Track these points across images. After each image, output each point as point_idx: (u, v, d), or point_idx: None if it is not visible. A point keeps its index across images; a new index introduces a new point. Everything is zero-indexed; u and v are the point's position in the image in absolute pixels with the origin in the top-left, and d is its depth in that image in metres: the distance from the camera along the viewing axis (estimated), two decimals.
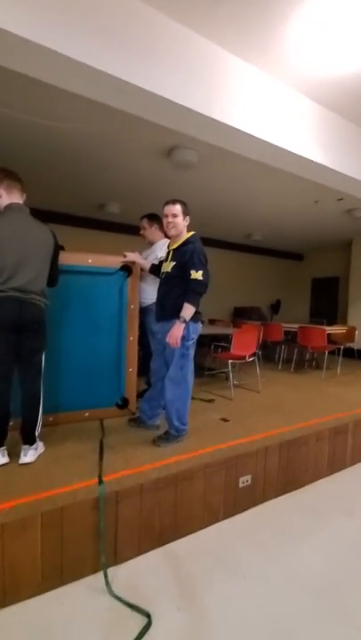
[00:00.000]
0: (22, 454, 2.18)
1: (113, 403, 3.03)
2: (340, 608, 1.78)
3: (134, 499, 2.06)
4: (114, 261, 3.01)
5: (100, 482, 1.98)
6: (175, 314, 2.39)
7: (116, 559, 2.01)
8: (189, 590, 1.86)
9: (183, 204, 2.52)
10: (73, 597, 1.81)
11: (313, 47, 2.59)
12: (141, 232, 3.45)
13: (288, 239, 8.97)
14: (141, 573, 1.98)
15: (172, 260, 2.53)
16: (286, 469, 2.82)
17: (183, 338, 2.37)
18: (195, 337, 2.50)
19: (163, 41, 2.30)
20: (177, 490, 2.22)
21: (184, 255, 2.43)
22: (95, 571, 1.93)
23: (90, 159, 4.29)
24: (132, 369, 3.09)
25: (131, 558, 2.06)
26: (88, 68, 2.05)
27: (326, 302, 9.87)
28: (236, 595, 1.84)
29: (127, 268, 3.04)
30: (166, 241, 3.12)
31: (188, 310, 2.35)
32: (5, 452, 2.18)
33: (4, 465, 2.13)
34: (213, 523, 2.39)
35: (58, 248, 2.40)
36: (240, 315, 9.11)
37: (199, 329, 2.54)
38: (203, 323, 2.66)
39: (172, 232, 2.53)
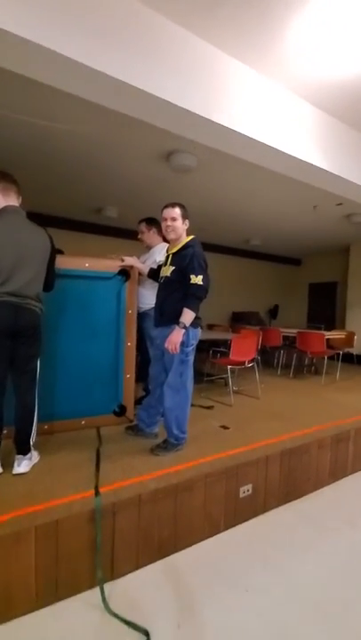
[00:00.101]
0: (16, 464, 2.11)
1: (110, 410, 2.97)
2: (344, 623, 1.72)
3: (132, 510, 1.99)
4: (111, 265, 2.96)
5: (97, 493, 1.92)
6: (174, 319, 2.34)
7: (114, 573, 1.94)
8: (189, 605, 1.79)
9: (182, 207, 2.48)
10: (69, 614, 1.73)
11: (313, 51, 2.58)
12: (139, 236, 3.41)
13: (286, 244, 8.97)
14: (140, 588, 1.91)
15: (171, 264, 2.48)
16: (288, 478, 2.75)
17: (182, 344, 2.32)
18: (194, 343, 2.44)
19: (162, 43, 2.27)
20: (176, 501, 2.15)
21: (184, 259, 2.39)
22: (91, 586, 1.85)
23: (87, 162, 4.25)
24: (129, 375, 3.03)
25: (128, 572, 1.99)
26: (86, 68, 2.01)
27: (324, 307, 9.86)
28: (238, 609, 1.77)
29: (125, 273, 2.99)
30: (165, 245, 3.07)
31: (187, 315, 2.30)
32: None
33: None
34: (214, 534, 2.32)
35: (55, 252, 2.35)
36: (238, 320, 9.07)
37: (199, 334, 2.49)
38: (202, 328, 2.61)
39: (171, 236, 2.49)
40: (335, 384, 5.16)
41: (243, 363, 4.12)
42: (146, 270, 2.92)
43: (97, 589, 1.80)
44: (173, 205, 2.45)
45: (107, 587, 1.84)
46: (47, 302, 2.31)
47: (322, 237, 8.08)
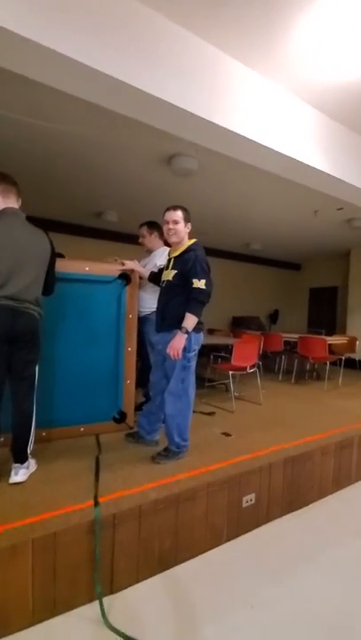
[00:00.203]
0: (13, 473, 2.05)
1: (110, 417, 2.91)
2: None
3: (132, 521, 1.93)
4: (112, 269, 2.91)
5: (96, 504, 1.85)
6: (176, 324, 2.29)
7: (113, 587, 1.87)
8: (191, 620, 1.73)
9: (185, 210, 2.44)
10: (66, 629, 1.67)
11: (316, 53, 2.55)
12: (140, 240, 3.37)
13: (286, 249, 8.95)
14: (140, 602, 1.85)
15: (173, 268, 2.44)
16: (291, 487, 2.69)
17: (184, 349, 2.27)
18: (196, 348, 2.39)
19: (163, 43, 2.24)
20: (178, 511, 2.09)
21: (186, 263, 2.34)
22: (90, 600, 1.79)
23: (87, 166, 4.23)
24: (129, 381, 2.97)
25: (128, 586, 1.92)
26: (86, 67, 1.97)
27: (324, 312, 9.83)
28: (242, 625, 1.71)
29: (126, 277, 2.95)
30: (166, 249, 3.04)
31: (190, 320, 2.25)
32: None
33: None
34: (216, 545, 2.26)
35: (55, 255, 2.30)
36: (239, 324, 9.03)
37: (201, 339, 2.44)
38: (204, 333, 2.56)
39: (173, 239, 2.45)
40: (338, 390, 5.10)
41: (244, 368, 4.07)
42: (146, 274, 2.88)
43: (96, 604, 1.74)
44: (175, 208, 2.41)
45: (106, 601, 1.78)
46: (46, 306, 2.25)
47: (322, 242, 8.06)
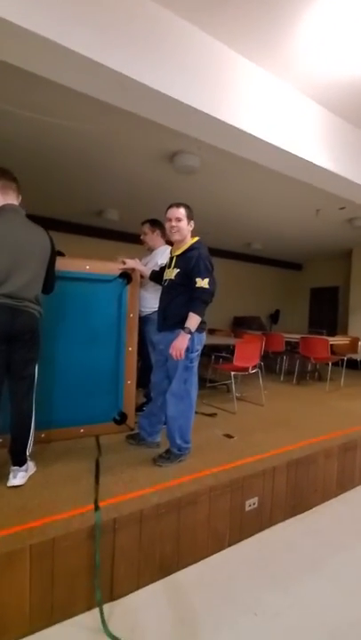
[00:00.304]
0: (11, 476, 2.00)
1: (110, 418, 2.86)
2: None
3: (133, 526, 1.88)
4: (112, 268, 2.86)
5: (97, 508, 1.81)
6: (179, 324, 2.24)
7: (113, 594, 1.82)
8: (193, 629, 1.68)
9: (188, 207, 2.39)
10: (65, 638, 1.62)
11: (321, 50, 2.51)
12: (142, 237, 3.32)
13: (287, 249, 8.91)
14: (141, 610, 1.79)
15: (175, 266, 2.39)
16: (294, 490, 2.64)
17: (187, 349, 2.22)
18: (199, 348, 2.35)
19: (169, 38, 2.20)
20: (180, 515, 2.04)
21: (189, 262, 2.29)
22: (90, 608, 1.74)
23: (88, 163, 4.18)
24: (130, 382, 2.93)
25: (129, 592, 1.87)
26: (89, 61, 1.93)
27: (326, 312, 9.79)
28: (246, 634, 1.66)
29: (126, 276, 2.90)
30: (167, 247, 2.99)
31: (193, 320, 2.20)
32: None
33: None
34: (218, 550, 2.20)
35: (55, 253, 2.25)
36: (240, 324, 8.99)
37: (204, 339, 2.39)
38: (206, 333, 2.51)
39: (175, 237, 2.39)
40: (340, 391, 5.05)
41: (246, 369, 4.02)
42: (148, 273, 2.83)
43: (96, 611, 1.69)
44: (178, 205, 2.36)
45: (106, 608, 1.73)
46: (46, 305, 2.21)
47: (323, 242, 8.02)
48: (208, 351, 4.78)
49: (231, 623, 1.72)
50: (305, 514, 2.68)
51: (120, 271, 2.87)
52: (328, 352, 5.19)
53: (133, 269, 2.89)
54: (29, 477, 2.08)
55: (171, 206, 2.38)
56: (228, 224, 6.75)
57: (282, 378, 5.68)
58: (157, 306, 2.57)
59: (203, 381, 4.58)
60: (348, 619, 1.77)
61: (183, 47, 2.28)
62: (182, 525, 2.05)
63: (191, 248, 2.37)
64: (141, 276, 2.94)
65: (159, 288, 2.61)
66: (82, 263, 2.76)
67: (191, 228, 2.44)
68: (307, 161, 3.06)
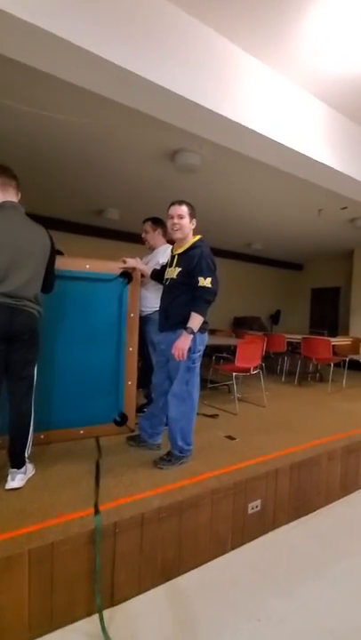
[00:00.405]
0: (9, 478, 1.96)
1: (110, 419, 2.82)
2: None
3: (134, 530, 1.84)
4: (113, 267, 2.83)
5: (97, 511, 1.77)
6: (180, 323, 2.21)
7: (113, 600, 1.78)
8: (195, 635, 1.64)
9: (190, 205, 2.35)
10: None
11: (326, 47, 2.48)
12: (143, 235, 3.28)
13: (288, 249, 8.88)
14: (141, 615, 1.75)
15: (177, 265, 2.35)
16: (297, 492, 2.60)
17: (189, 350, 2.18)
18: (201, 349, 2.31)
19: (174, 33, 2.17)
20: (181, 519, 2.00)
21: (191, 260, 2.25)
22: (90, 613, 1.69)
23: (88, 162, 4.14)
24: (131, 382, 2.89)
25: (130, 598, 1.83)
26: (92, 55, 1.90)
27: (327, 313, 9.76)
28: None
29: (127, 275, 2.86)
30: (168, 246, 2.95)
31: (195, 320, 2.17)
32: None
33: None
34: (221, 554, 2.16)
35: (55, 251, 2.22)
36: (240, 325, 8.95)
37: (206, 339, 2.35)
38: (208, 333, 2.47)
39: (177, 235, 2.35)
40: (342, 392, 5.01)
41: (248, 369, 3.98)
42: (149, 272, 2.79)
43: (96, 617, 1.65)
44: (181, 203, 2.32)
45: (106, 614, 1.69)
46: (45, 305, 2.17)
47: (325, 242, 7.99)
48: (209, 352, 4.75)
49: (234, 629, 1.68)
50: (308, 516, 2.64)
51: (121, 270, 2.83)
52: (330, 353, 5.16)
53: (134, 268, 2.85)
54: (28, 480, 2.04)
55: (173, 203, 2.34)
56: (229, 224, 6.72)
57: (283, 379, 5.64)
58: (158, 305, 2.53)
59: (204, 382, 4.55)
60: (354, 625, 1.73)
61: (187, 42, 2.24)
62: (184, 529, 2.01)
63: (193, 246, 2.33)
64: (142, 275, 2.91)
65: (160, 287, 2.58)
66: (82, 262, 2.72)
67: (193, 227, 2.40)
68: (310, 158, 3.03)
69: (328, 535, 2.45)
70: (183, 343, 2.15)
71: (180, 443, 2.32)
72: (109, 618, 1.69)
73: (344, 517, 2.70)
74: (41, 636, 1.61)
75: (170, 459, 2.32)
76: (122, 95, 2.25)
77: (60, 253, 2.57)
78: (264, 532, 2.39)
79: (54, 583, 1.63)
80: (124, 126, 3.28)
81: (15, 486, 1.95)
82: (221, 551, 2.18)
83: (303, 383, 5.51)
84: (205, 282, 2.18)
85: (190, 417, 2.35)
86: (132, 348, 2.89)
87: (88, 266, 2.74)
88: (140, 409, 3.07)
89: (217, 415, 3.53)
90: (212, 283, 2.20)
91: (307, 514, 2.65)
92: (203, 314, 2.20)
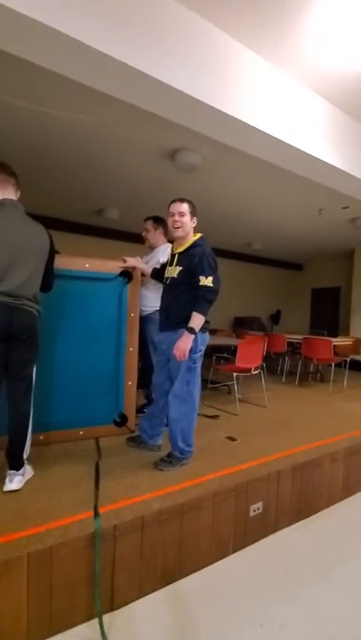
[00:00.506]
0: (8, 480, 1.93)
1: (110, 420, 2.79)
2: None
3: (134, 533, 1.81)
4: (113, 266, 2.80)
5: (96, 514, 1.74)
6: (181, 323, 2.18)
7: (113, 604, 1.75)
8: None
9: (191, 203, 2.33)
10: None
11: (329, 44, 2.45)
12: (144, 234, 3.25)
13: (288, 249, 8.85)
14: (142, 620, 1.72)
15: (177, 264, 2.32)
16: (300, 494, 2.57)
17: (191, 349, 2.15)
18: (203, 348, 2.28)
19: (173, 28, 2.14)
20: (182, 521, 1.97)
21: (192, 259, 2.22)
22: (89, 618, 1.67)
23: (87, 161, 4.11)
24: (131, 382, 2.86)
25: (130, 602, 1.80)
26: (91, 50, 1.87)
27: (327, 313, 9.73)
28: None
29: (127, 274, 2.83)
30: (169, 245, 2.92)
31: (197, 320, 2.14)
32: None
33: None
34: (222, 557, 2.13)
35: (54, 250, 2.19)
36: (240, 325, 8.92)
37: (207, 339, 2.32)
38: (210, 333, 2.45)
39: (178, 233, 2.32)
40: (343, 392, 4.98)
41: (249, 369, 3.95)
42: (149, 271, 2.76)
43: (95, 622, 1.62)
44: (182, 200, 2.30)
45: (106, 618, 1.66)
46: (44, 304, 2.14)
47: (325, 242, 7.96)
48: (209, 352, 4.72)
49: (236, 635, 1.65)
50: (310, 519, 2.61)
51: (120, 269, 2.80)
52: (331, 353, 5.13)
53: (134, 267, 2.82)
54: (27, 482, 2.01)
55: (174, 201, 2.31)
56: (229, 223, 6.69)
57: (283, 379, 5.61)
58: (159, 305, 2.50)
59: (204, 382, 4.51)
60: (358, 631, 1.70)
61: (188, 38, 2.22)
62: (185, 532, 1.98)
63: (194, 245, 2.30)
64: (142, 275, 2.88)
65: (161, 287, 2.55)
66: (81, 261, 2.69)
67: (194, 225, 2.37)
68: (311, 156, 3.00)
69: (330, 538, 2.42)
70: (185, 343, 2.12)
71: (180, 444, 2.29)
72: (109, 622, 1.66)
73: (346, 520, 2.67)
74: None
75: (170, 460, 2.29)
76: (122, 91, 2.22)
77: (56, 252, 2.54)
78: (266, 534, 2.36)
79: (53, 587, 1.60)
80: (123, 124, 3.25)
81: (13, 488, 1.91)
82: (223, 554, 2.15)
83: (304, 383, 5.48)
84: (207, 281, 2.15)
85: (191, 418, 2.32)
86: (133, 348, 2.86)
87: (88, 265, 2.71)
88: (140, 409, 3.04)
89: (217, 416, 3.50)
90: (213, 282, 2.17)
91: (309, 516, 2.62)
92: (204, 313, 2.17)
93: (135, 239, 6.65)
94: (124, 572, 1.78)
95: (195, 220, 2.36)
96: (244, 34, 2.38)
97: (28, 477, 2.05)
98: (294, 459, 2.58)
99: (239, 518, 2.21)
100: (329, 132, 3.09)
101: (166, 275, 2.43)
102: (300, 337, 5.61)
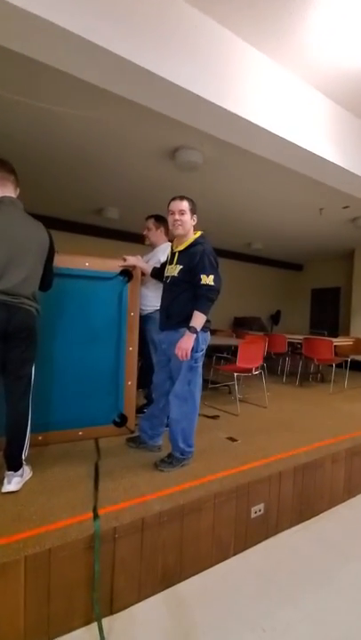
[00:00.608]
0: (6, 481, 1.90)
1: (110, 420, 2.76)
2: None
3: (134, 535, 1.78)
4: (113, 265, 2.77)
5: (96, 516, 1.71)
6: (182, 322, 2.15)
7: (113, 608, 1.72)
8: None
9: (191, 201, 2.30)
10: None
11: (332, 42, 2.43)
12: (145, 232, 3.22)
13: (288, 249, 8.83)
14: (142, 624, 1.69)
15: (178, 262, 2.29)
16: (301, 496, 2.54)
17: (192, 349, 2.12)
18: (204, 348, 2.25)
19: (176, 24, 2.12)
20: (183, 523, 1.94)
21: (193, 258, 2.20)
22: (88, 622, 1.64)
23: (87, 159, 4.08)
24: (130, 382, 2.83)
25: (129, 606, 1.77)
26: (93, 46, 1.85)
27: (327, 313, 9.72)
28: None
29: (127, 273, 2.80)
30: (169, 244, 2.89)
31: (198, 319, 2.11)
32: None
33: None
34: (223, 560, 2.10)
35: (53, 248, 2.16)
36: (240, 325, 8.90)
37: (208, 339, 2.29)
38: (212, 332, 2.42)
39: (178, 231, 2.29)
40: (343, 392, 4.96)
41: (250, 370, 3.93)
42: (149, 270, 2.74)
43: (94, 626, 1.59)
44: (182, 198, 2.27)
45: (105, 622, 1.63)
46: (43, 303, 2.11)
47: (325, 242, 7.94)
48: (209, 352, 4.69)
49: (237, 638, 1.62)
50: (312, 520, 2.58)
51: (120, 268, 2.78)
52: (332, 353, 5.10)
53: (134, 266, 2.79)
54: (25, 483, 1.98)
55: (174, 199, 2.29)
56: (230, 223, 6.66)
57: (284, 379, 5.59)
58: (159, 304, 2.47)
59: (204, 382, 4.48)
60: None
61: (191, 35, 2.19)
62: (185, 534, 1.95)
63: (195, 243, 2.27)
64: (143, 274, 2.85)
65: (161, 286, 2.52)
66: (81, 260, 2.67)
67: (194, 223, 2.34)
68: (313, 153, 2.97)
69: (332, 540, 2.39)
70: (186, 343, 2.09)
71: (181, 444, 2.26)
72: (108, 627, 1.63)
73: (348, 521, 2.64)
74: None
75: (171, 461, 2.26)
76: (124, 88, 2.20)
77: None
78: (267, 536, 2.33)
79: (51, 591, 1.57)
80: (123, 123, 3.22)
81: (11, 489, 1.89)
82: (224, 556, 2.12)
83: (305, 384, 5.46)
84: (208, 279, 2.13)
85: (192, 418, 2.29)
86: (133, 348, 2.83)
87: (87, 263, 2.68)
88: (139, 410, 3.01)
89: (218, 416, 3.47)
90: (214, 280, 2.15)
91: (310, 518, 2.59)
92: (206, 312, 2.15)
93: (135, 239, 6.63)
94: (123, 575, 1.75)
95: (195, 217, 2.33)
96: (246, 31, 2.35)
97: (27, 478, 2.02)
98: (296, 460, 2.55)
99: (240, 520, 2.19)
100: (330, 129, 3.07)
101: (166, 273, 2.40)
102: (301, 337, 5.58)
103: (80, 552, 1.62)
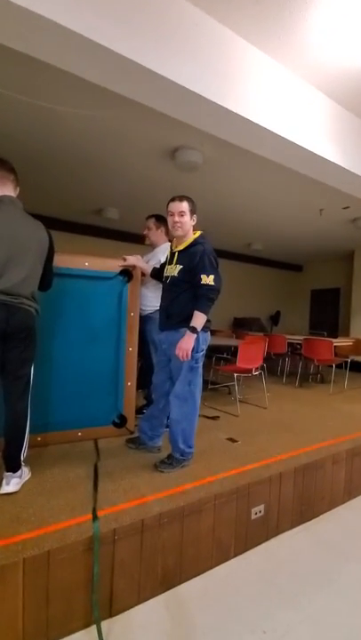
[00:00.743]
0: (4, 482, 1.89)
1: (109, 421, 2.75)
2: None
3: (134, 537, 1.76)
4: (113, 265, 2.76)
5: (95, 518, 1.69)
6: (182, 322, 2.14)
7: (112, 610, 1.70)
8: None
9: (191, 201, 2.28)
10: None
11: (333, 42, 2.42)
12: (145, 232, 3.20)
13: (288, 249, 8.83)
14: (141, 627, 1.68)
15: (178, 262, 2.28)
16: (301, 497, 2.53)
17: (193, 349, 2.11)
18: (204, 348, 2.24)
19: (177, 23, 2.11)
20: (183, 525, 1.92)
21: (193, 258, 2.18)
22: (87, 625, 1.62)
23: (87, 159, 4.07)
24: (130, 383, 2.81)
25: (129, 608, 1.75)
26: (95, 45, 1.83)
27: (327, 314, 9.71)
28: None
29: (127, 273, 2.79)
30: (169, 245, 2.88)
31: (199, 319, 2.10)
32: None
33: None
34: (223, 561, 2.09)
35: (53, 248, 2.15)
36: (240, 325, 8.89)
37: (209, 339, 2.28)
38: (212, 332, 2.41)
39: (178, 232, 2.28)
40: (343, 393, 4.95)
41: (250, 370, 3.91)
42: (149, 270, 2.72)
43: (93, 629, 1.58)
44: (181, 199, 2.25)
45: (104, 625, 1.61)
46: (43, 302, 2.10)
47: (325, 242, 7.94)
48: (209, 352, 4.68)
49: None
50: (312, 522, 2.57)
51: (120, 268, 2.76)
52: (332, 354, 5.09)
53: (134, 266, 2.78)
54: (23, 484, 1.97)
55: (173, 199, 2.27)
56: (230, 223, 6.66)
57: (284, 380, 5.58)
58: (159, 304, 2.46)
59: (204, 383, 4.47)
60: None
61: (192, 34, 2.18)
62: (185, 535, 1.94)
63: (195, 243, 2.26)
64: (142, 274, 2.84)
65: (161, 286, 2.51)
66: (81, 260, 2.65)
67: (194, 223, 2.33)
68: (313, 153, 2.96)
69: (333, 541, 2.38)
70: (187, 343, 2.08)
71: (181, 445, 2.24)
72: (108, 629, 1.61)
73: (349, 523, 2.63)
74: None
75: (171, 462, 2.25)
76: (125, 87, 2.19)
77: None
78: (267, 537, 2.32)
79: (50, 593, 1.55)
80: (124, 122, 3.21)
81: (10, 491, 1.87)
82: (224, 558, 2.10)
83: (304, 384, 5.45)
84: (208, 279, 2.12)
85: (192, 418, 2.28)
86: (132, 348, 2.82)
87: (87, 263, 2.67)
88: (139, 410, 3.00)
89: (218, 417, 3.46)
90: (214, 280, 2.13)
91: (311, 519, 2.58)
92: (206, 312, 2.13)
93: (135, 239, 6.63)
94: (123, 578, 1.73)
95: (194, 217, 2.32)
96: (247, 31, 2.34)
97: (26, 479, 2.00)
98: (296, 460, 2.54)
99: (241, 521, 2.17)
100: (331, 129, 3.06)
101: (166, 273, 2.39)
102: (301, 338, 5.58)
103: (79, 554, 1.61)
